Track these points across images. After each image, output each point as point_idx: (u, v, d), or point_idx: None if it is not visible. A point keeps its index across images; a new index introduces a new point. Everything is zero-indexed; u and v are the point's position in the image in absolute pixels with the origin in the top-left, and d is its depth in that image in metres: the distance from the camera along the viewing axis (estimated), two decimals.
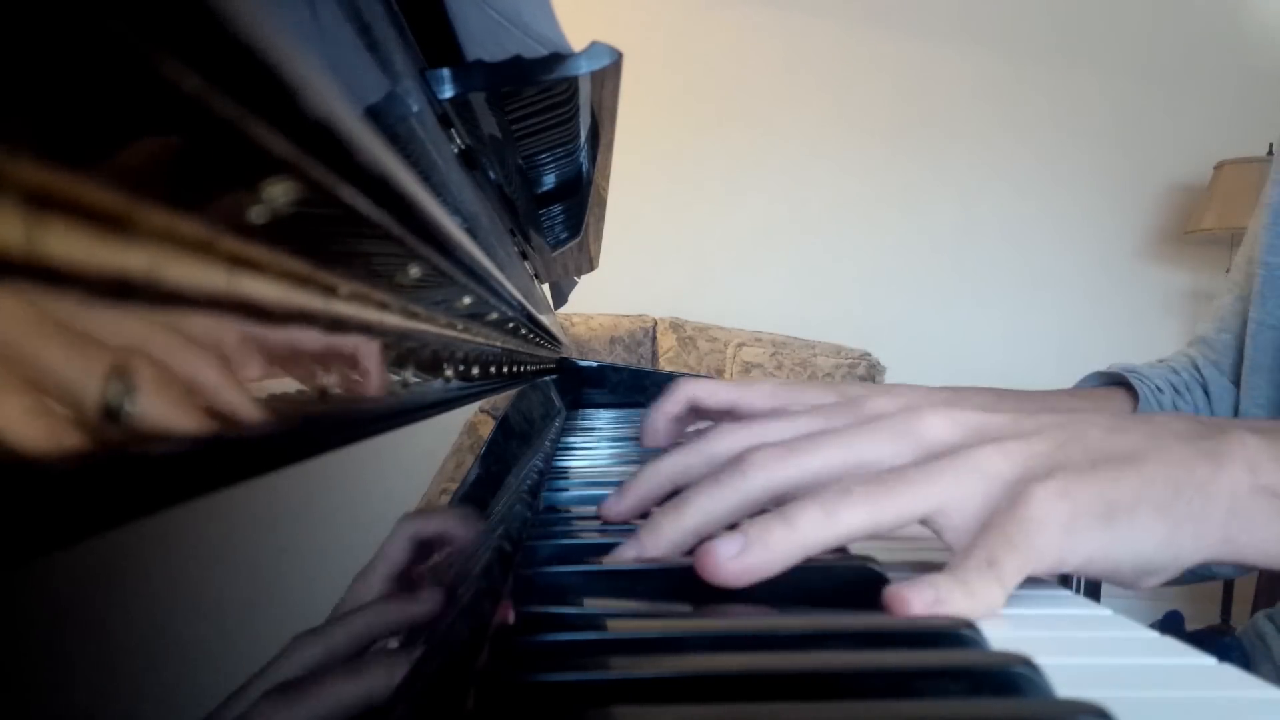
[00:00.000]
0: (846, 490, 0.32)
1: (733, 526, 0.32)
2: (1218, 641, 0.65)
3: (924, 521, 0.33)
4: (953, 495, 0.32)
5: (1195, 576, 0.62)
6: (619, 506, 0.39)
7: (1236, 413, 0.69)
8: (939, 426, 0.35)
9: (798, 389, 0.51)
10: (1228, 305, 0.73)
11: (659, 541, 0.33)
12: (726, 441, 0.38)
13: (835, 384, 0.52)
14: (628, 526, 0.41)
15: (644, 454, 0.72)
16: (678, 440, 0.50)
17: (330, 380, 0.19)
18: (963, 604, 0.29)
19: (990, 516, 0.32)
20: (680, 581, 0.31)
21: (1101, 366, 0.74)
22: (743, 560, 0.30)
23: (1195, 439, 0.33)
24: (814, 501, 0.32)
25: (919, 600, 0.29)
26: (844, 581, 0.32)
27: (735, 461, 0.35)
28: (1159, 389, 0.70)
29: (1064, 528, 0.31)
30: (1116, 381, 0.71)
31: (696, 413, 0.52)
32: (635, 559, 0.33)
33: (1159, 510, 0.31)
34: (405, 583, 0.24)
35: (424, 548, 0.27)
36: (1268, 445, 0.33)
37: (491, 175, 0.54)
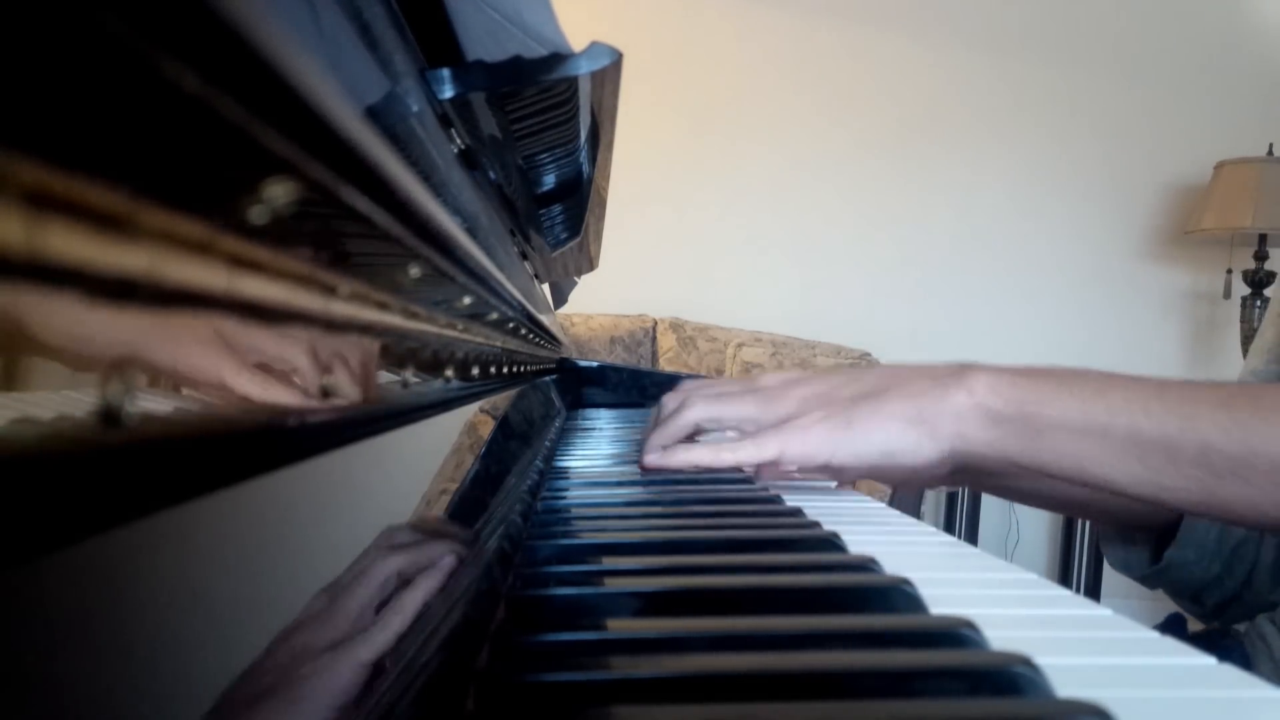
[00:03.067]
0: (687, 404, 0.59)
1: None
2: (1218, 644, 0.65)
3: (738, 428, 0.58)
4: (752, 415, 0.55)
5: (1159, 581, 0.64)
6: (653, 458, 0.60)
7: None
8: (790, 393, 0.56)
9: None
10: (1273, 339, 0.73)
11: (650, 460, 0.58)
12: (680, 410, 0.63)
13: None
14: (622, 528, 0.41)
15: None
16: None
17: (330, 380, 0.19)
18: (705, 455, 0.55)
19: None
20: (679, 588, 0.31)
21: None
22: (659, 460, 0.56)
23: (940, 376, 0.51)
24: (670, 414, 0.59)
25: (653, 458, 0.57)
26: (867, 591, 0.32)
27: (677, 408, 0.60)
28: None
29: (814, 432, 0.51)
30: None
31: None
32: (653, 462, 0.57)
33: (894, 418, 0.50)
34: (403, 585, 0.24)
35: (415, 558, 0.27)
36: (989, 378, 0.50)
37: (491, 175, 0.54)
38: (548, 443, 0.70)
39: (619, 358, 2.59)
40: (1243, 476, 0.44)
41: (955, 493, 2.66)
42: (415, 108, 0.30)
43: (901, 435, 0.50)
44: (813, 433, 0.51)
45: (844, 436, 0.51)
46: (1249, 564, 0.64)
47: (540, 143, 0.56)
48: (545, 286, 1.17)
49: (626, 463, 0.66)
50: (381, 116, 0.26)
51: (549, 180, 0.68)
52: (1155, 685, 0.25)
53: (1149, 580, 0.65)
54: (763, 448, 0.52)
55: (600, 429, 0.92)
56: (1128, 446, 0.47)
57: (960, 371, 0.51)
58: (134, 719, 0.12)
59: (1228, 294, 2.64)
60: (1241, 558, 0.64)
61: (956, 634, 0.26)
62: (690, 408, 0.58)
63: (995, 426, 0.49)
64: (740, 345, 2.64)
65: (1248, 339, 2.57)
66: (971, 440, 0.49)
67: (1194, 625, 0.72)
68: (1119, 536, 0.66)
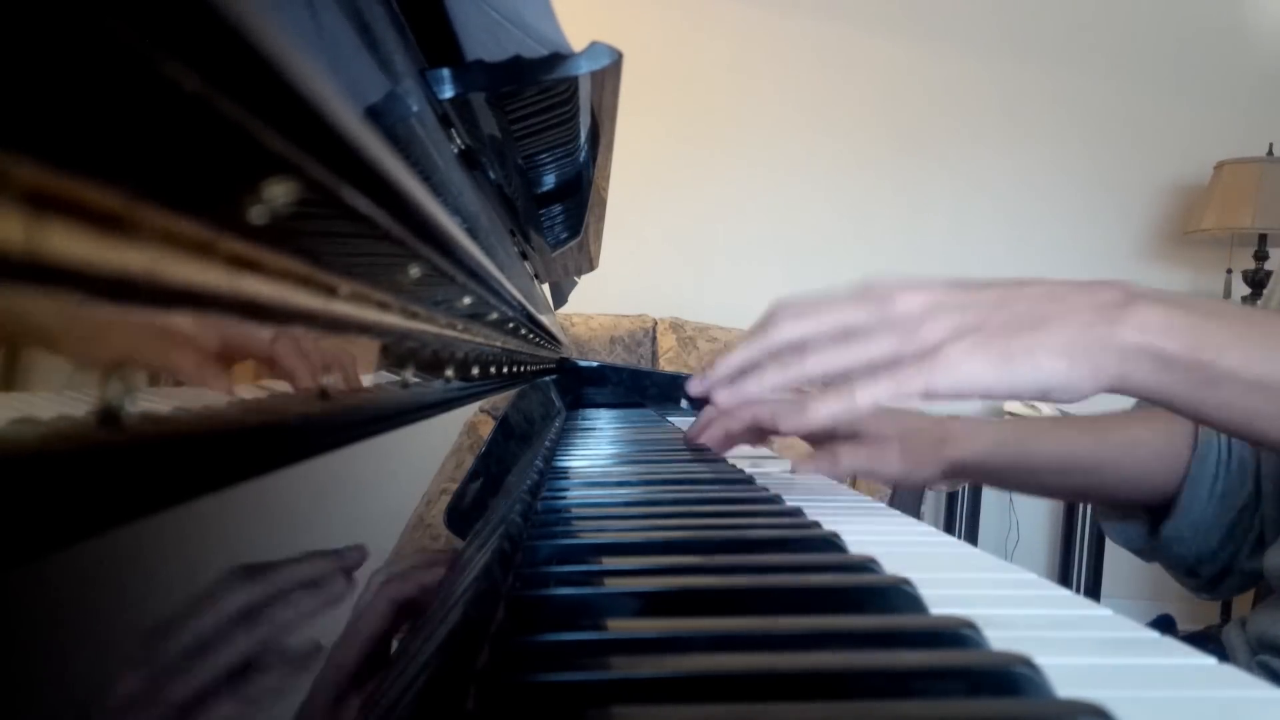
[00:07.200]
0: (804, 353, 0.49)
1: None
2: (1207, 645, 0.65)
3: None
4: (890, 352, 0.47)
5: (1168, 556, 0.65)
6: (699, 386, 0.53)
7: None
8: (909, 301, 0.49)
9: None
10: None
11: (716, 377, 0.52)
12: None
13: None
14: (622, 528, 0.41)
15: (644, 453, 0.72)
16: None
17: (330, 380, 0.19)
18: (831, 404, 0.48)
19: None
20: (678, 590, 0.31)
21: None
22: (738, 391, 0.51)
23: (1103, 303, 0.46)
24: (779, 363, 0.50)
25: (720, 395, 0.51)
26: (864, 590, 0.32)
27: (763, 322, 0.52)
28: None
29: (966, 363, 0.45)
30: None
31: None
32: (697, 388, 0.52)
33: (1057, 353, 0.45)
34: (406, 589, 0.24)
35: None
36: (1161, 313, 0.45)
37: (491, 175, 0.54)
38: (548, 443, 0.70)
39: (619, 358, 2.59)
40: None
41: (955, 493, 2.66)
42: (415, 108, 0.30)
43: (1062, 372, 0.45)
44: (964, 366, 0.46)
45: (1001, 372, 0.45)
46: (1241, 537, 0.65)
47: (540, 143, 0.56)
48: (545, 286, 1.17)
49: (626, 463, 0.66)
50: (381, 116, 0.26)
51: (549, 180, 0.68)
52: (1155, 685, 0.25)
53: (1147, 553, 0.66)
54: (905, 382, 0.46)
55: (600, 429, 0.92)
56: None
57: (1124, 299, 0.46)
58: (134, 718, 0.12)
59: (1228, 294, 2.64)
60: (1234, 533, 0.65)
61: (956, 634, 0.26)
62: (782, 325, 0.51)
63: (1164, 371, 0.45)
64: None
65: None
66: (1133, 383, 0.46)
67: (1190, 624, 0.73)
68: (1117, 513, 0.67)
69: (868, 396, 0.47)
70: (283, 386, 0.17)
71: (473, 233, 0.33)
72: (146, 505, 0.12)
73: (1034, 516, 2.79)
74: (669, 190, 2.81)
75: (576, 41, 0.47)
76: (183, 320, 0.12)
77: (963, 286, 0.50)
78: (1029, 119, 2.84)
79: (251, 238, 0.13)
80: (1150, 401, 0.47)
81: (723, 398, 0.51)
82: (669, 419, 1.06)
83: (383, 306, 0.23)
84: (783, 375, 0.49)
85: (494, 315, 0.44)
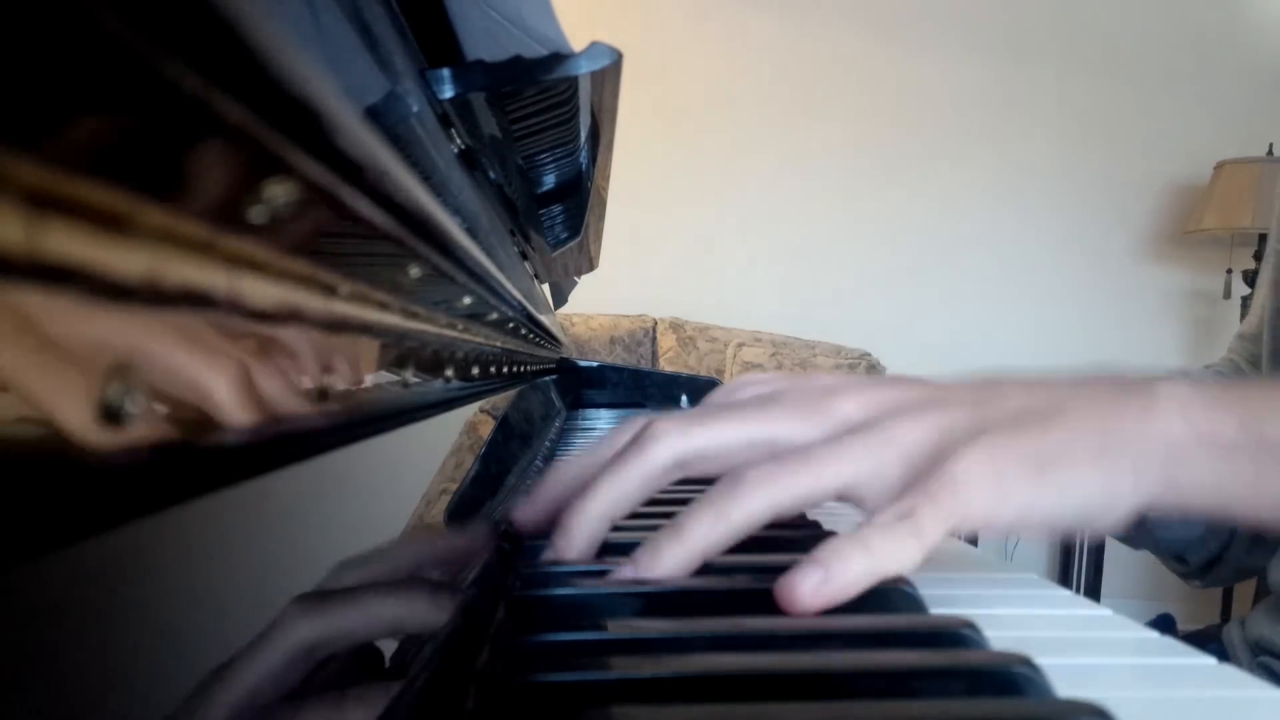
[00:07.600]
0: (738, 479, 0.32)
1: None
2: (1207, 645, 0.65)
3: (841, 498, 0.33)
4: (865, 468, 0.32)
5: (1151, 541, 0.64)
6: (529, 512, 0.36)
7: None
8: (850, 404, 0.35)
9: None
10: (1263, 297, 0.73)
11: (571, 541, 0.33)
12: (631, 427, 0.37)
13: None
14: (622, 527, 0.41)
15: None
16: None
17: (331, 380, 0.19)
18: (861, 565, 0.29)
19: (912, 481, 0.32)
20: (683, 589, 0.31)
21: (1102, 367, 0.75)
22: (639, 574, 0.31)
23: (1123, 390, 0.34)
24: (703, 504, 0.32)
25: (805, 585, 0.28)
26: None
27: (636, 438, 0.35)
28: None
29: (992, 482, 0.31)
30: None
31: None
32: (550, 559, 0.33)
33: (1093, 458, 0.32)
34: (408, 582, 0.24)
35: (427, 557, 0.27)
36: (1198, 394, 0.33)
37: (491, 175, 0.54)
38: (548, 443, 0.70)
39: (619, 358, 2.59)
40: None
41: None
42: (415, 108, 0.30)
43: (1100, 485, 0.31)
44: (996, 487, 0.31)
45: (1037, 492, 0.31)
46: (1227, 528, 0.65)
47: (540, 143, 0.55)
48: (545, 286, 1.17)
49: None
50: (381, 116, 0.26)
51: (549, 180, 0.68)
52: (1155, 685, 0.25)
53: (1132, 540, 0.66)
54: (931, 519, 0.30)
55: (600, 429, 0.92)
56: None
57: (1147, 386, 0.34)
58: (133, 718, 0.12)
59: (1228, 294, 2.64)
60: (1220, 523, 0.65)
61: (956, 634, 0.26)
62: (658, 443, 0.34)
63: (1225, 462, 0.32)
64: (740, 345, 2.64)
65: None
66: (1186, 486, 0.32)
67: (1191, 624, 0.73)
68: None
69: (887, 551, 0.30)
70: (282, 386, 0.17)
71: (473, 233, 0.33)
72: (145, 505, 0.12)
73: None
74: (669, 190, 2.81)
75: (576, 41, 0.47)
76: (181, 320, 0.12)
77: (896, 383, 0.36)
78: (1029, 118, 2.84)
79: (252, 237, 0.13)
80: (1200, 515, 0.34)
81: (575, 541, 0.33)
82: None
83: (383, 306, 0.23)
84: (709, 524, 0.32)
85: (494, 315, 0.44)
